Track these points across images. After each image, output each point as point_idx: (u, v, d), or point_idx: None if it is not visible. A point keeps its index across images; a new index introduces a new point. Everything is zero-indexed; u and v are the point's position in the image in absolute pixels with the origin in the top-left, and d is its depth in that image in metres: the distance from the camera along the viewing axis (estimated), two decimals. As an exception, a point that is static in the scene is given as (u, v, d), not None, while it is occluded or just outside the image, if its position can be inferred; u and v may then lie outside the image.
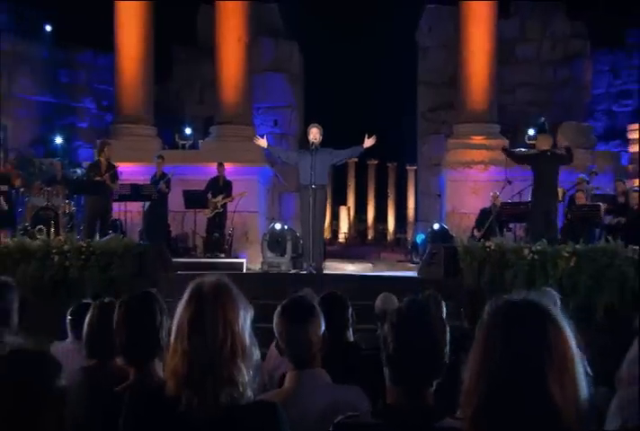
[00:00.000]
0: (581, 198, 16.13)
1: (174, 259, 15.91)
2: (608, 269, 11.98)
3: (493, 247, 12.64)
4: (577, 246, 14.39)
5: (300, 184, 14.05)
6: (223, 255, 17.90)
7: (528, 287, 12.13)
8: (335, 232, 43.00)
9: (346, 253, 30.80)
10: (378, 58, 26.21)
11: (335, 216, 43.32)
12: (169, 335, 3.52)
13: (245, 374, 2.96)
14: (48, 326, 11.81)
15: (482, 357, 2.40)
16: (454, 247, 13.05)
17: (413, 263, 19.23)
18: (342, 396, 4.01)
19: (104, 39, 20.69)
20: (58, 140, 22.41)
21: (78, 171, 18.59)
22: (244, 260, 16.57)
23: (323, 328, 4.09)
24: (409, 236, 38.16)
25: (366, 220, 46.22)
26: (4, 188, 15.53)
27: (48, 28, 23.19)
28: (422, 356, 3.10)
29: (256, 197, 19.90)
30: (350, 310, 5.34)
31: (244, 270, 16.16)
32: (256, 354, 3.11)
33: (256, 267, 17.06)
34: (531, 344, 2.35)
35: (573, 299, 11.93)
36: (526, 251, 12.35)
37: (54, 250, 12.66)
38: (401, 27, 24.46)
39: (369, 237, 45.60)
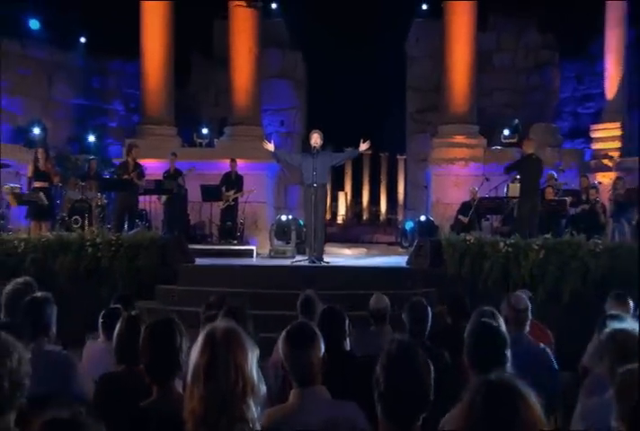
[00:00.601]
0: (550, 193, 16.11)
1: (193, 246, 15.96)
2: (572, 260, 12.01)
3: (472, 240, 12.65)
4: (547, 236, 14.44)
5: (304, 183, 14.06)
6: (236, 242, 17.98)
7: (504, 276, 12.23)
8: (335, 213, 43.03)
9: (344, 235, 30.78)
10: (372, 66, 26.16)
11: (334, 199, 43.37)
12: (187, 356, 3.55)
13: (254, 411, 3.00)
14: (83, 310, 11.94)
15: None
16: (438, 240, 13.04)
17: (403, 247, 19.28)
18: (341, 411, 4.00)
19: (132, 49, 20.66)
20: (91, 138, 22.42)
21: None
22: (254, 248, 16.57)
23: (322, 350, 4.07)
24: (399, 216, 38.37)
25: (361, 203, 46.25)
26: (45, 184, 15.54)
27: (83, 39, 23.15)
28: (410, 396, 3.10)
29: (264, 189, 19.98)
30: (347, 322, 5.27)
31: (254, 256, 16.17)
32: (263, 389, 3.13)
33: (265, 251, 17.08)
34: (506, 421, 2.39)
35: (542, 286, 11.99)
36: (501, 244, 12.37)
37: (88, 243, 12.67)
38: (392, 38, 24.42)
39: (364, 218, 45.66)
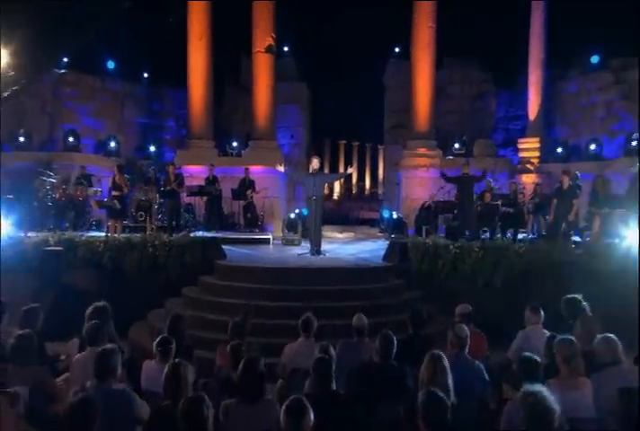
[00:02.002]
0: (487, 197, 15.95)
1: (226, 233, 16.52)
2: (503, 258, 12.06)
3: (430, 243, 12.64)
4: (485, 229, 14.42)
5: (306, 196, 14.01)
6: (257, 230, 17.98)
7: (453, 270, 12.23)
8: (332, 190, 42.91)
9: (338, 211, 30.71)
10: (359, 93, 26.00)
11: (331, 180, 43.33)
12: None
13: None
14: (145, 293, 11.99)
15: None
16: (405, 243, 13.00)
17: (381, 231, 19.28)
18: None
19: (181, 80, 20.48)
20: (152, 148, 22.23)
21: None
22: (270, 237, 16.47)
23: (312, 419, 4.01)
24: (379, 190, 38.37)
25: (351, 180, 46.13)
26: (119, 193, 15.45)
27: (145, 74, 23.02)
28: None
29: (278, 187, 19.87)
30: (333, 368, 5.19)
31: (271, 244, 16.10)
32: None
33: (279, 235, 17.07)
34: None
35: (480, 277, 12.08)
36: (451, 247, 12.38)
37: (149, 244, 12.66)
38: (374, 73, 24.27)
39: (354, 192, 45.64)
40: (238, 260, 12.75)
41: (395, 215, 16.61)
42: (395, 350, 6.13)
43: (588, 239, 14.37)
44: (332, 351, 5.91)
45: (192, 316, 10.72)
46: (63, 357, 7.44)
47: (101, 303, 7.10)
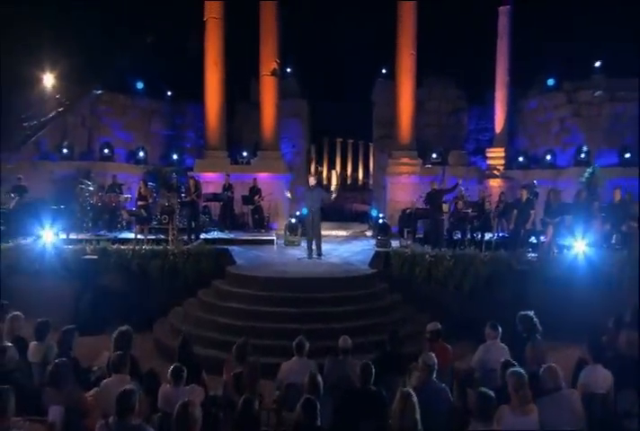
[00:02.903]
0: (460, 205, 15.89)
1: (237, 232, 16.64)
2: (470, 266, 12.03)
3: (409, 252, 12.60)
4: (457, 232, 14.35)
5: (305, 208, 14.05)
6: (263, 230, 17.92)
7: (428, 276, 12.20)
8: (329, 182, 42.62)
9: (334, 204, 30.36)
10: (351, 109, 25.76)
11: (329, 171, 43.08)
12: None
13: None
14: (166, 293, 12.03)
15: None
16: (388, 251, 12.97)
17: (370, 228, 19.25)
18: None
19: (199, 97, 20.31)
20: (174, 156, 22.14)
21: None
22: (274, 238, 16.41)
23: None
24: (371, 181, 38.09)
25: (346, 172, 45.86)
26: (144, 203, 15.41)
27: (169, 93, 22.86)
28: None
29: (282, 191, 19.73)
30: (318, 407, 5.17)
31: (275, 244, 16.03)
32: None
33: (281, 233, 17.04)
34: None
35: (451, 282, 12.06)
36: (427, 256, 12.32)
37: (170, 253, 12.63)
38: (363, 91, 23.98)
39: (348, 182, 45.40)
40: (246, 266, 12.67)
41: (380, 220, 16.50)
42: (373, 378, 6.15)
43: (543, 241, 14.30)
44: (319, 379, 5.89)
45: (205, 318, 10.77)
46: (95, 369, 7.44)
47: (124, 328, 7.05)
